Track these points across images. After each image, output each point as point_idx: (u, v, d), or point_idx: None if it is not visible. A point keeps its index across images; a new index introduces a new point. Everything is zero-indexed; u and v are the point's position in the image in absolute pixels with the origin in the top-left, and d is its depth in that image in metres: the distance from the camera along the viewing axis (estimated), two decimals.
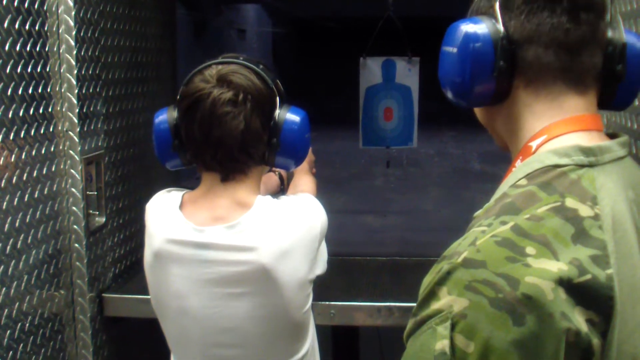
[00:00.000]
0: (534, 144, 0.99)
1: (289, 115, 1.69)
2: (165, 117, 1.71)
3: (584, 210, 0.88)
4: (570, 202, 0.88)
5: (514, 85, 1.01)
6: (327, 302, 2.37)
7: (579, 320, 0.81)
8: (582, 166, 0.93)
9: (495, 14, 1.01)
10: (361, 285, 2.64)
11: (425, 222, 6.55)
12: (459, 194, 7.57)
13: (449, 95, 1.08)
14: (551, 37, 0.97)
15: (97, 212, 2.45)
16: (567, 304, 0.81)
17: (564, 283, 0.81)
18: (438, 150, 10.01)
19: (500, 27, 0.99)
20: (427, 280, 0.89)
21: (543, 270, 0.82)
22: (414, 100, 3.55)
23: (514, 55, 0.99)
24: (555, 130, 0.98)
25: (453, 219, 6.55)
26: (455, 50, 1.03)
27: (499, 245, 0.85)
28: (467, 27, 1.02)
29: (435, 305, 0.85)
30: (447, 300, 0.84)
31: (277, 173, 2.10)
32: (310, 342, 1.80)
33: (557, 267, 0.82)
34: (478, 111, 1.13)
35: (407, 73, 3.53)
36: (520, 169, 0.97)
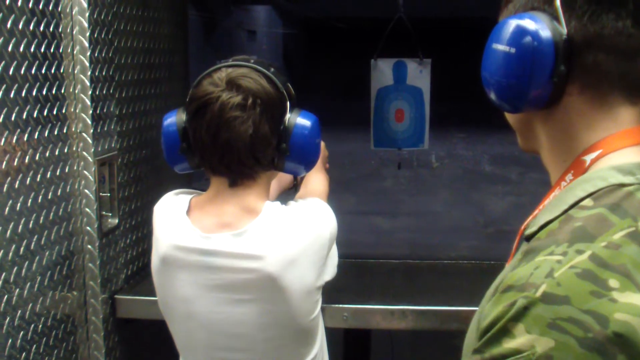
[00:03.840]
0: (587, 158, 0.94)
1: (300, 120, 1.67)
2: (174, 119, 1.69)
3: None
4: None
5: (567, 91, 0.95)
6: (340, 305, 2.36)
7: None
8: None
9: (556, 12, 0.93)
10: (373, 288, 2.63)
11: (435, 224, 6.55)
12: (469, 196, 7.56)
13: (494, 96, 1.01)
14: (614, 42, 0.91)
15: (110, 214, 2.45)
16: None
17: None
18: (448, 152, 9.99)
19: (563, 28, 0.92)
20: (494, 312, 0.82)
21: (631, 306, 0.77)
22: (425, 102, 3.53)
23: (574, 59, 0.93)
24: (612, 144, 0.93)
25: (463, 221, 6.55)
26: (512, 50, 0.95)
27: (581, 278, 0.79)
28: (527, 24, 0.94)
29: (510, 344, 0.79)
30: (527, 340, 0.78)
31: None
32: (319, 346, 1.79)
33: None
34: (513, 115, 1.07)
35: (419, 74, 3.52)
36: (579, 186, 0.92)
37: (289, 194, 2.03)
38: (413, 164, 8.36)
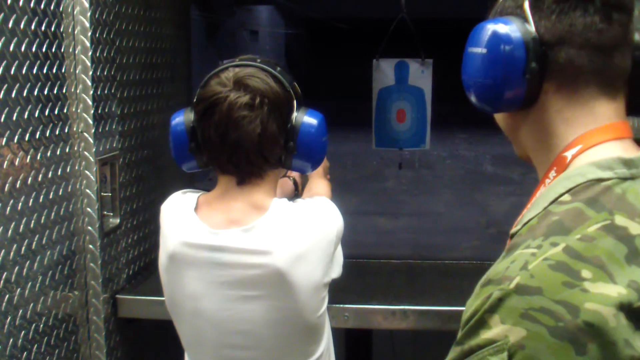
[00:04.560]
0: (568, 154, 0.96)
1: (306, 119, 1.68)
2: (182, 119, 1.70)
3: (634, 228, 0.85)
4: (619, 220, 0.85)
5: (544, 90, 0.98)
6: (342, 305, 2.36)
7: (639, 345, 0.78)
8: (624, 179, 0.90)
9: (525, 14, 0.97)
10: (375, 288, 2.63)
11: (437, 224, 6.56)
12: (471, 197, 7.57)
13: (474, 99, 1.04)
14: (584, 37, 0.94)
15: (112, 213, 2.45)
16: (629, 329, 0.78)
17: (625, 308, 0.79)
18: (450, 153, 10.00)
19: (531, 28, 0.96)
20: (474, 305, 0.85)
21: (602, 296, 0.79)
22: (427, 102, 3.53)
23: (546, 57, 0.96)
24: (591, 139, 0.95)
25: (465, 222, 6.56)
26: (484, 51, 0.99)
27: (554, 270, 0.81)
28: (498, 27, 0.98)
29: (486, 335, 0.82)
30: (501, 330, 0.80)
31: (291, 178, 2.09)
32: (326, 344, 1.80)
33: (616, 291, 0.79)
34: (501, 118, 1.09)
35: (420, 75, 3.52)
36: (559, 183, 0.94)
37: (293, 200, 2.03)
38: (415, 164, 8.37)
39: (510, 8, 1.01)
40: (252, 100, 1.59)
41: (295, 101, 1.68)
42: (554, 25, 0.95)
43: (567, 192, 0.91)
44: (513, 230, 0.96)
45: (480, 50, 1.00)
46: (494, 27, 0.99)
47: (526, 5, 0.97)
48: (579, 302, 0.78)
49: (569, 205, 0.89)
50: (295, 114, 1.67)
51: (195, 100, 1.66)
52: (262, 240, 1.60)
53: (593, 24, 0.94)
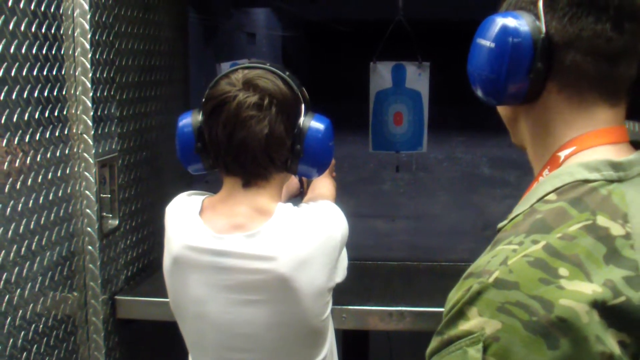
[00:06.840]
0: (562, 154, 0.97)
1: (314, 123, 1.68)
2: (190, 119, 1.70)
3: (615, 229, 0.86)
4: (601, 220, 0.87)
5: (547, 89, 0.98)
6: (339, 306, 2.37)
7: (611, 342, 0.80)
8: (611, 181, 0.91)
9: (538, 12, 0.97)
10: (372, 289, 2.64)
11: (434, 227, 6.56)
12: (468, 199, 7.58)
13: (478, 90, 1.05)
14: (592, 44, 0.94)
15: (111, 215, 2.46)
16: (601, 326, 0.80)
17: (599, 305, 0.80)
18: (447, 155, 10.01)
19: (542, 27, 0.96)
20: (455, 298, 0.87)
21: (577, 293, 0.81)
22: (424, 105, 3.55)
23: (552, 57, 0.96)
24: (586, 142, 0.96)
25: (462, 224, 6.56)
26: (492, 44, 0.99)
27: (532, 266, 0.83)
28: (509, 22, 0.98)
29: (464, 326, 0.84)
30: (478, 322, 0.83)
31: (297, 176, 2.09)
32: (329, 347, 1.80)
33: (591, 289, 0.81)
34: (502, 107, 1.10)
35: (417, 77, 3.53)
36: (548, 181, 0.95)
37: (296, 201, 2.04)
38: (412, 167, 8.39)
39: (524, 3, 1.01)
40: (260, 100, 1.59)
41: (303, 105, 1.68)
42: (564, 27, 0.95)
43: (554, 190, 0.93)
44: (500, 224, 0.99)
45: (487, 42, 1.00)
46: (504, 21, 0.99)
47: (540, 4, 0.97)
48: (553, 298, 0.81)
49: (553, 205, 0.91)
50: (302, 118, 1.67)
51: (203, 100, 1.66)
52: (266, 245, 1.60)
53: (603, 32, 0.94)
